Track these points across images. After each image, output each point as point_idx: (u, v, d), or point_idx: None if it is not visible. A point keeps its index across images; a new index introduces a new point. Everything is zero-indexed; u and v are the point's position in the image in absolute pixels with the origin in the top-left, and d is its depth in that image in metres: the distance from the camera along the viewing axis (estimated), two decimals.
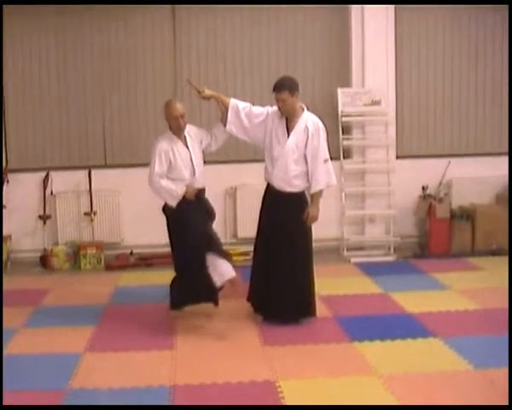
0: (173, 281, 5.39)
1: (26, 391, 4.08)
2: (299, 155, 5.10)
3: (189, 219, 5.09)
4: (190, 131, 5.24)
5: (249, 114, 5.23)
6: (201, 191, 5.27)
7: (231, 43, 7.70)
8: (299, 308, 5.24)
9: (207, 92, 5.33)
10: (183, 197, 5.10)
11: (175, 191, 5.09)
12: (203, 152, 5.33)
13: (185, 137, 5.17)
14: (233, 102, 5.26)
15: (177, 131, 5.11)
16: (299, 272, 5.20)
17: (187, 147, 5.15)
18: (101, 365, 4.53)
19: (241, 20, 7.67)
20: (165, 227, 5.27)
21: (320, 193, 5.19)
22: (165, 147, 5.08)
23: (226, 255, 5.18)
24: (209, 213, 5.34)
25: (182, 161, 5.10)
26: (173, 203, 5.12)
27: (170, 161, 5.07)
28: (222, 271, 4.99)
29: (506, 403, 3.62)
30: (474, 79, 7.98)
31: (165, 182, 5.08)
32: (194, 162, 5.14)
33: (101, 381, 4.21)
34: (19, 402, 3.87)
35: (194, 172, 5.14)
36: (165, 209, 5.22)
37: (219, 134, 5.37)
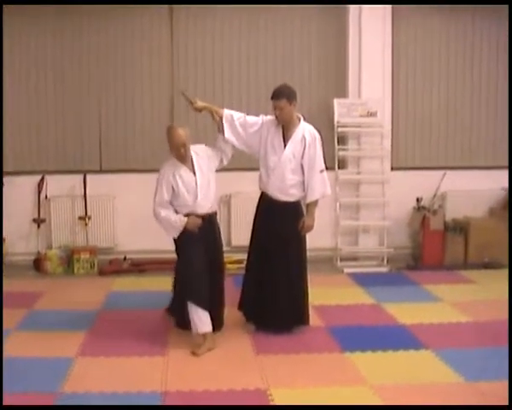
0: (175, 287, 5.31)
1: (17, 394, 4.07)
2: (296, 164, 5.09)
3: (189, 258, 4.93)
4: (199, 151, 5.04)
5: (244, 123, 5.16)
6: (206, 217, 4.99)
7: (229, 45, 7.73)
8: (293, 317, 5.24)
9: (199, 104, 5.20)
10: (185, 228, 4.90)
11: (174, 221, 4.90)
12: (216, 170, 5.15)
13: (192, 159, 4.96)
14: (226, 112, 5.16)
15: (179, 159, 4.91)
16: (293, 281, 5.20)
17: (194, 171, 4.94)
18: (93, 369, 4.52)
19: (239, 23, 7.70)
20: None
21: (316, 203, 5.19)
22: (168, 174, 4.88)
23: (209, 303, 4.91)
24: (213, 245, 5.10)
25: (184, 187, 4.88)
26: (174, 235, 4.97)
27: (173, 188, 4.89)
28: (199, 322, 4.86)
29: None
30: (470, 92, 8.03)
31: (164, 212, 4.90)
32: (199, 186, 4.92)
33: (92, 386, 4.21)
34: (10, 404, 3.85)
35: (196, 197, 4.93)
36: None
37: (226, 148, 5.20)
